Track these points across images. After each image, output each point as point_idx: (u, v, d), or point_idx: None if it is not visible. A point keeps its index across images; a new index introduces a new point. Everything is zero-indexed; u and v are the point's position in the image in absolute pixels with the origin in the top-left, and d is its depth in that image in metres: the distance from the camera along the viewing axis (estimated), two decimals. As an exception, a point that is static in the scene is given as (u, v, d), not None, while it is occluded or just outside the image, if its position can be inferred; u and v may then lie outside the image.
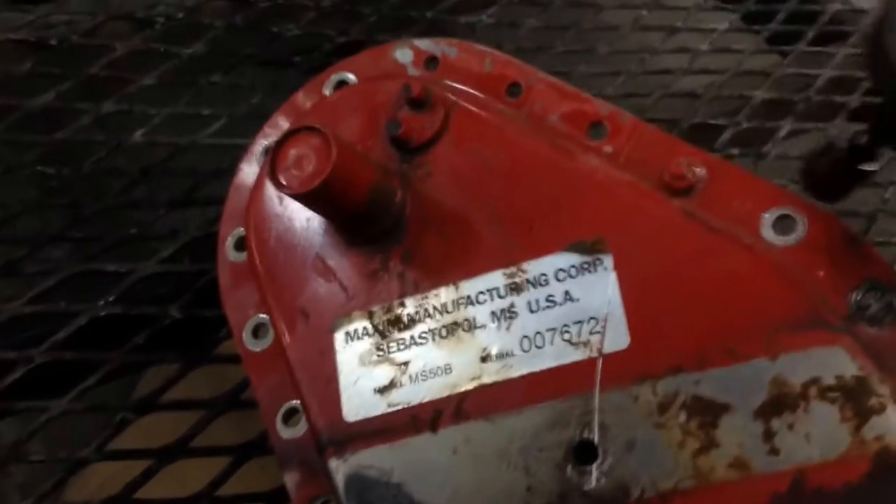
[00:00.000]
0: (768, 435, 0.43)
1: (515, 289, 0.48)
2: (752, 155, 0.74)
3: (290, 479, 0.52)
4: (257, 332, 0.55)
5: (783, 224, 0.47)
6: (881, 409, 0.42)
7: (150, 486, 0.58)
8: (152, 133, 0.70)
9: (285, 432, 0.53)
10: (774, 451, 0.43)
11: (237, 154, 0.59)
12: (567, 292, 0.47)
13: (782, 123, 0.77)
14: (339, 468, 0.49)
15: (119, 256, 0.64)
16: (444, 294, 0.50)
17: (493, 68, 0.54)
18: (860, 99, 0.81)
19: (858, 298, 0.45)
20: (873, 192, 0.75)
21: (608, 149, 0.50)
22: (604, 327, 0.46)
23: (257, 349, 0.55)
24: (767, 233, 0.47)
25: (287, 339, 0.52)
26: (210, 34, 0.75)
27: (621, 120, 0.51)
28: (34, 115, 0.69)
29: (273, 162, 0.47)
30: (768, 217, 0.47)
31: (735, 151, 0.74)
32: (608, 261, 0.47)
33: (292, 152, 0.47)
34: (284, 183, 0.47)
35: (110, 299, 0.62)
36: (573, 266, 0.47)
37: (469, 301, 0.49)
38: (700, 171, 0.48)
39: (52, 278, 0.62)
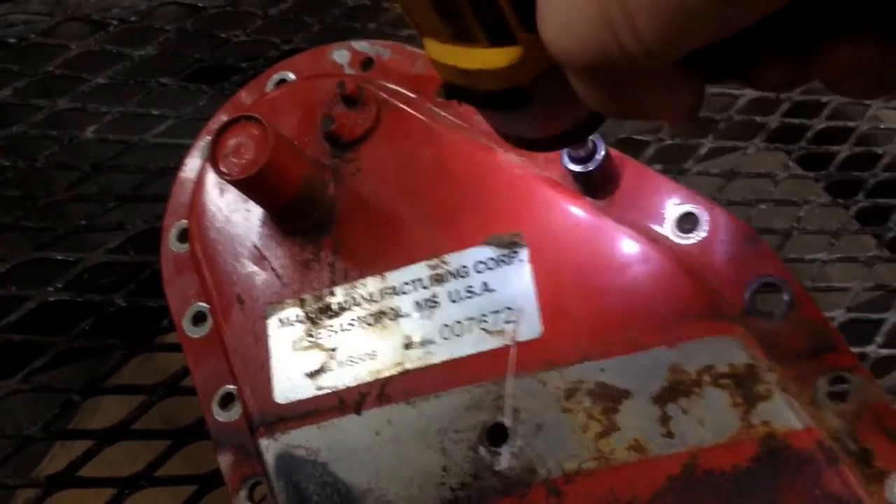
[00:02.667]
0: (664, 419, 0.46)
1: (438, 280, 0.51)
2: (673, 171, 0.77)
3: (224, 461, 0.55)
4: (197, 319, 0.58)
5: (687, 221, 0.50)
6: (768, 396, 0.45)
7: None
8: (103, 130, 0.72)
9: (221, 416, 0.55)
10: (670, 435, 0.46)
11: (184, 153, 0.61)
12: (485, 283, 0.50)
13: (703, 141, 0.80)
14: (270, 447, 0.52)
15: (68, 246, 0.66)
16: (372, 284, 0.52)
17: (423, 70, 0.57)
18: (779, 119, 0.85)
19: (754, 293, 0.48)
20: (790, 210, 0.79)
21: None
22: (518, 317, 0.49)
23: (196, 336, 0.57)
24: (672, 229, 0.50)
25: (223, 325, 0.55)
26: (161, 38, 0.77)
27: (543, 124, 0.54)
28: (-10, 109, 0.72)
29: (213, 150, 0.50)
30: (674, 214, 0.50)
31: (658, 167, 0.77)
32: (524, 253, 0.50)
33: (231, 141, 0.50)
34: (224, 170, 0.50)
35: (59, 286, 0.64)
36: (492, 258, 0.50)
37: (394, 291, 0.52)
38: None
39: (4, 265, 0.65)
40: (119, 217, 0.69)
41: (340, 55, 0.59)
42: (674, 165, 0.78)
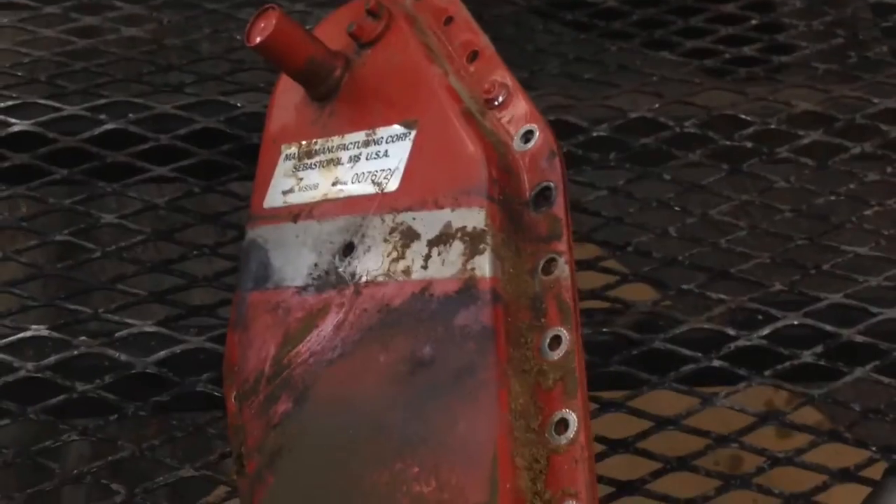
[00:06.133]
0: (427, 257, 0.63)
1: (366, 144, 0.71)
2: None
3: None
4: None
5: (527, 136, 0.66)
6: (482, 252, 0.60)
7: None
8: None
9: None
10: (425, 267, 0.62)
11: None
12: (387, 150, 0.69)
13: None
14: (249, 234, 0.75)
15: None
16: (336, 141, 0.73)
17: (445, 4, 0.76)
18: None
19: (534, 192, 0.63)
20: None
21: (472, 69, 0.71)
22: (391, 175, 0.68)
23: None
24: (518, 140, 0.66)
25: (264, 153, 0.78)
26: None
27: (488, 52, 0.71)
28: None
29: (250, 25, 0.73)
30: (522, 129, 0.66)
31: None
32: (412, 135, 0.68)
33: (261, 22, 0.73)
34: (248, 39, 0.73)
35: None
36: (397, 135, 0.69)
37: (343, 147, 0.72)
38: (502, 91, 0.68)
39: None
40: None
41: (411, -14, 0.80)
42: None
